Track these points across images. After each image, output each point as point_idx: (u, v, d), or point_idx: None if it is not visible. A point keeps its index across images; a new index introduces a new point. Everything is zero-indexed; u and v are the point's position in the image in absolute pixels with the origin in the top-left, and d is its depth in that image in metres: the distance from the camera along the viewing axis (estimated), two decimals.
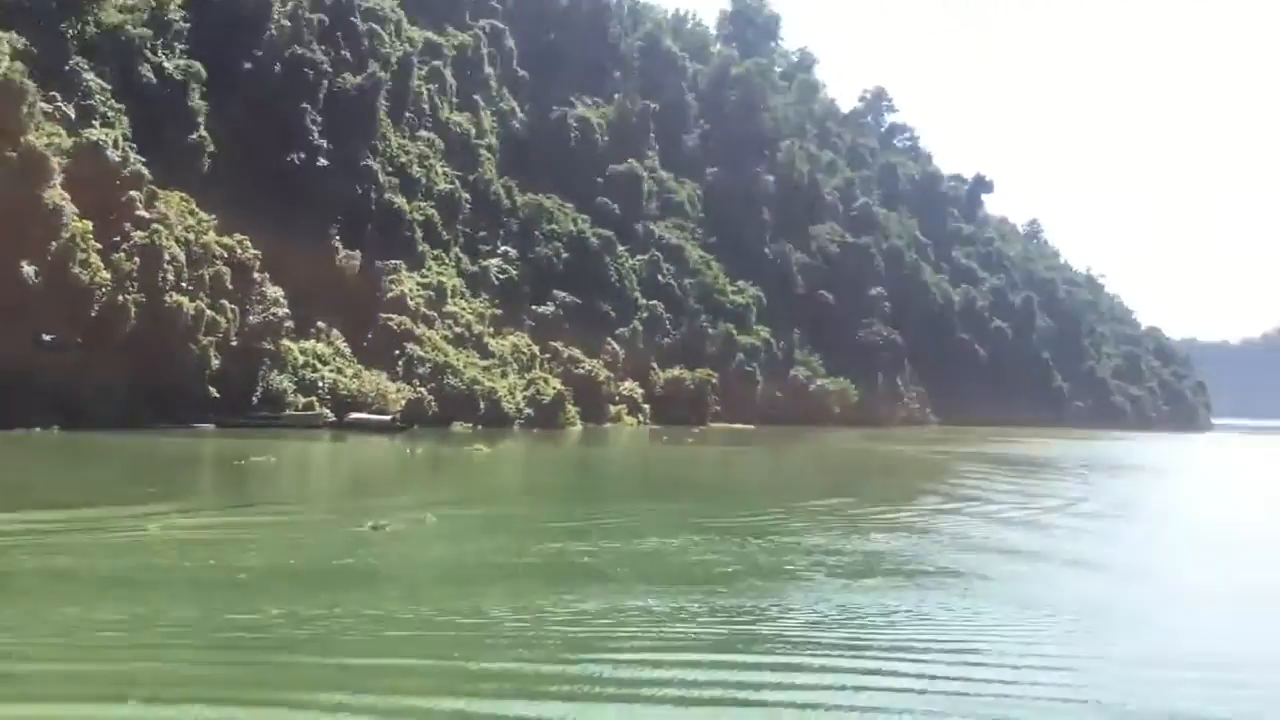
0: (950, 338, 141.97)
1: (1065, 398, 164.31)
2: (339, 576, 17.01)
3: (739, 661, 13.00)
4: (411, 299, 72.28)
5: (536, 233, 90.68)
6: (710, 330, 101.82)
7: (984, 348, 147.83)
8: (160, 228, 52.30)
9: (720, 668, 12.64)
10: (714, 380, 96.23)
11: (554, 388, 77.99)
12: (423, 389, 67.43)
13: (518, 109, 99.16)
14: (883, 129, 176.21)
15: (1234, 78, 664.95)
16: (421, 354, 69.66)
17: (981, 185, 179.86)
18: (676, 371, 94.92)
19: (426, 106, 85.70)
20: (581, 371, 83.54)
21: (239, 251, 58.00)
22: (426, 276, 76.42)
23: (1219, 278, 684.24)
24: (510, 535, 22.75)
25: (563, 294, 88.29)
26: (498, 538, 22.33)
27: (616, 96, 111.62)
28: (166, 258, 51.88)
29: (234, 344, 55.93)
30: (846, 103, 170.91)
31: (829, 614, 15.86)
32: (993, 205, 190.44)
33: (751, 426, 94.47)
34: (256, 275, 59.22)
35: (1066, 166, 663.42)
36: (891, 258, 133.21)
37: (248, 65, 68.49)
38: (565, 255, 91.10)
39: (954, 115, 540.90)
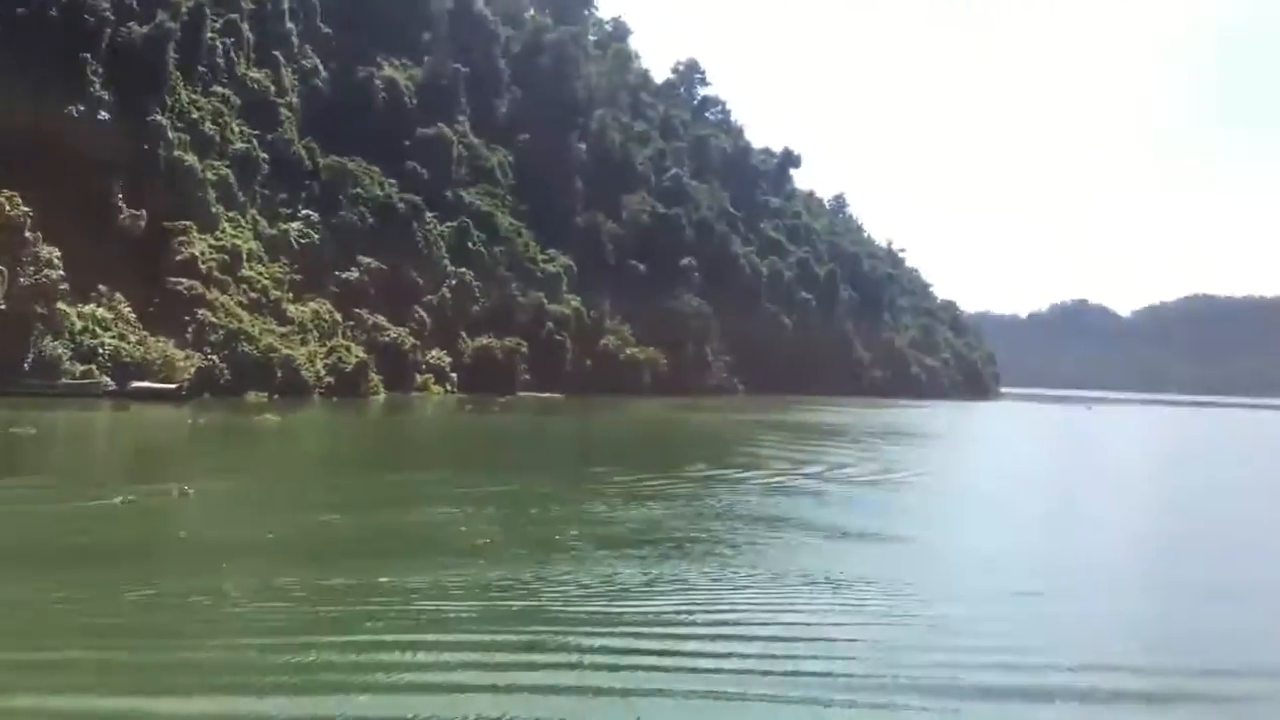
0: (758, 308, 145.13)
1: (865, 367, 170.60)
2: (66, 555, 16.01)
3: (490, 641, 12.68)
4: (203, 262, 69.03)
5: (340, 196, 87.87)
6: (520, 299, 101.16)
7: (790, 318, 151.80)
8: None
9: (470, 649, 12.33)
10: (524, 349, 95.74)
11: (357, 356, 76.05)
12: (214, 357, 64.55)
13: (321, 67, 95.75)
14: (695, 101, 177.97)
15: (1029, 60, 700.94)
16: (214, 320, 66.62)
17: (790, 160, 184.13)
18: (485, 340, 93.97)
19: (221, 61, 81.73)
20: (386, 339, 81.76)
21: (7, 209, 54.18)
22: (220, 239, 73.08)
23: (1011, 254, 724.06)
24: (269, 509, 21.91)
25: (368, 260, 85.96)
26: (254, 511, 21.45)
27: (426, 59, 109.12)
28: None
29: (2, 307, 52.40)
30: (659, 74, 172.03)
31: (591, 585, 15.90)
32: (801, 180, 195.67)
33: (561, 395, 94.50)
34: (28, 234, 55.44)
35: (873, 144, 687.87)
36: (702, 229, 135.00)
37: (21, 10, 63.94)
38: (371, 220, 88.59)
39: (765, 90, 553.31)
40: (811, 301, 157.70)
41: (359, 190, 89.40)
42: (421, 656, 11.92)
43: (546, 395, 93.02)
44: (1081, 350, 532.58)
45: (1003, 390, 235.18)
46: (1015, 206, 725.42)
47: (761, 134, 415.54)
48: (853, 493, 30.21)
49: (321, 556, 16.99)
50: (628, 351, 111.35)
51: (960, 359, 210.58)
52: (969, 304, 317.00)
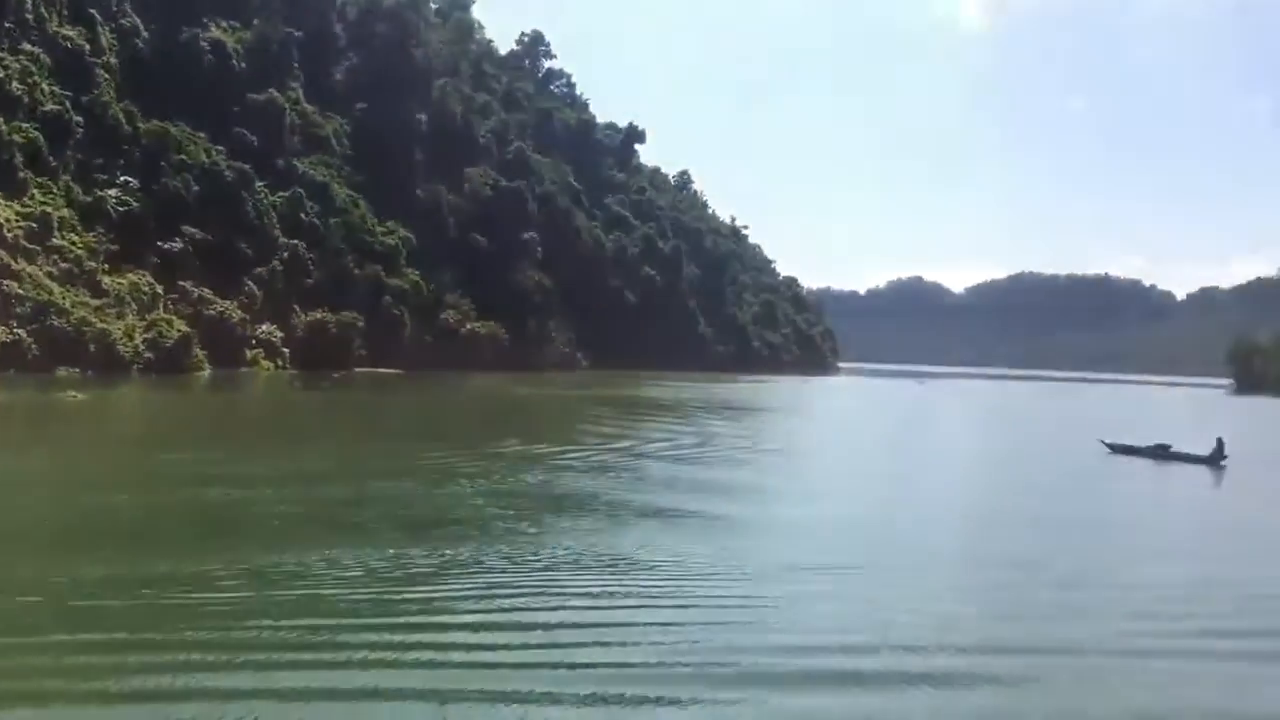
0: (602, 283, 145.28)
1: (709, 343, 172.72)
2: None
3: (256, 639, 11.84)
4: (9, 230, 65.03)
5: (163, 163, 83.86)
6: (357, 272, 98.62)
7: (634, 294, 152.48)
8: None
9: (234, 648, 11.54)
10: (360, 323, 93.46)
11: (179, 330, 72.96)
12: (21, 331, 61.06)
13: (141, 27, 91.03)
14: (540, 74, 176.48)
15: (867, 42, 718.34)
16: (20, 292, 62.91)
17: (634, 135, 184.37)
18: (320, 314, 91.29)
19: (30, 18, 76.99)
20: (213, 313, 78.72)
21: None
22: (29, 206, 69.03)
23: (852, 232, 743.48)
24: (41, 492, 20.70)
25: (193, 230, 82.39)
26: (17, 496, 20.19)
27: (256, 21, 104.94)
28: None
29: None
30: (504, 45, 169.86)
31: (378, 570, 15.42)
32: (646, 156, 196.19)
33: (398, 371, 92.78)
34: None
35: (719, 123, 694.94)
36: (545, 203, 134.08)
37: None
38: (196, 189, 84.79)
39: (610, 66, 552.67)
40: (656, 277, 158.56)
41: (183, 157, 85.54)
42: (168, 658, 10.95)
43: (384, 371, 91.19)
44: (917, 326, 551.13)
45: (841, 365, 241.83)
46: (855, 186, 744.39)
47: (607, 109, 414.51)
48: (669, 470, 30.19)
49: (70, 544, 16.00)
50: (468, 326, 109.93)
51: (800, 334, 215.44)
52: (810, 281, 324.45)
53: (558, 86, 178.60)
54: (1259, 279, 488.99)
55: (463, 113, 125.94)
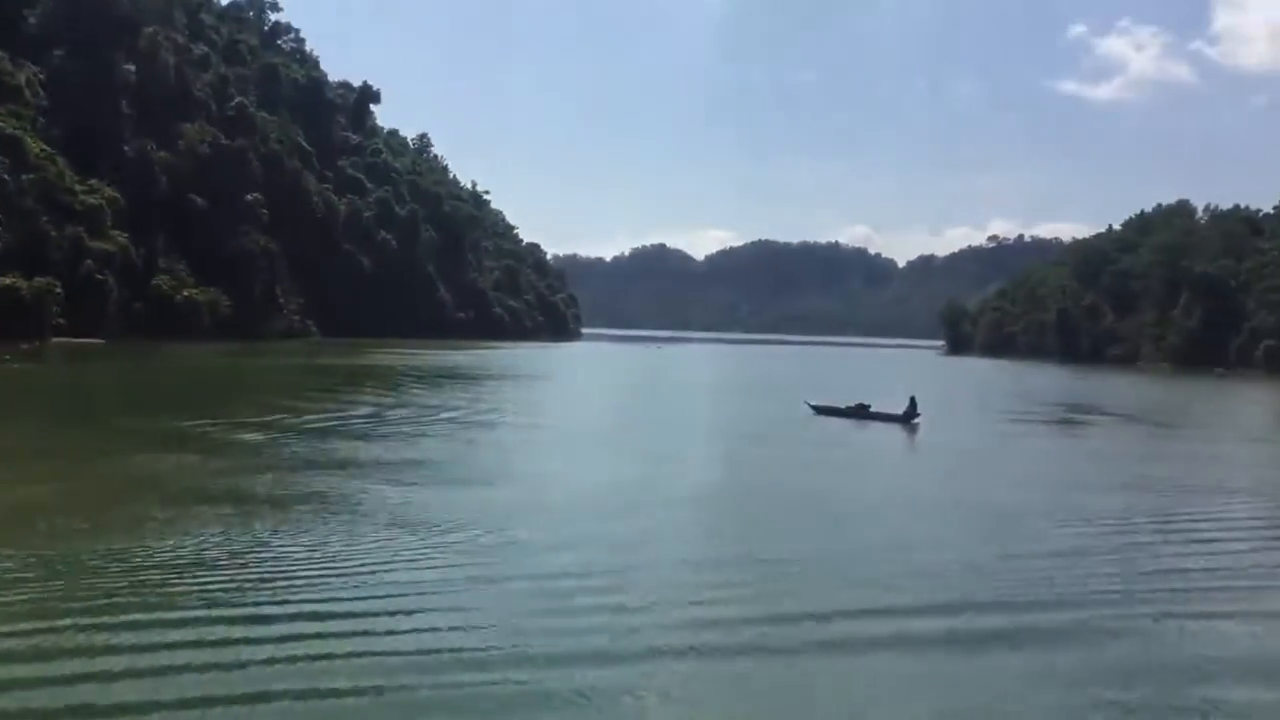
0: (334, 249, 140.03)
1: (448, 309, 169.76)
2: None
3: None
4: None
5: None
6: (54, 234, 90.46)
7: (369, 259, 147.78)
8: None
9: None
10: (57, 290, 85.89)
11: None
12: None
13: None
14: (266, 28, 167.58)
15: (608, 11, 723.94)
16: None
17: (369, 95, 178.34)
18: (10, 280, 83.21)
19: None
20: None
21: None
22: None
23: (596, 199, 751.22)
24: None
25: None
26: None
27: None
28: None
29: None
30: None
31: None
32: (385, 118, 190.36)
33: (102, 341, 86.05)
34: None
35: (463, 87, 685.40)
36: (271, 163, 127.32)
37: None
38: None
39: (348, 24, 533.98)
40: (391, 242, 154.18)
41: None
42: None
43: (83, 342, 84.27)
44: (662, 293, 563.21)
45: (584, 331, 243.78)
46: (598, 153, 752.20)
47: (342, 69, 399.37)
48: (341, 446, 28.59)
49: None
50: (184, 293, 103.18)
51: (544, 301, 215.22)
52: (557, 247, 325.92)
53: (285, 41, 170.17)
54: (969, 247, 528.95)
55: (176, 64, 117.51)
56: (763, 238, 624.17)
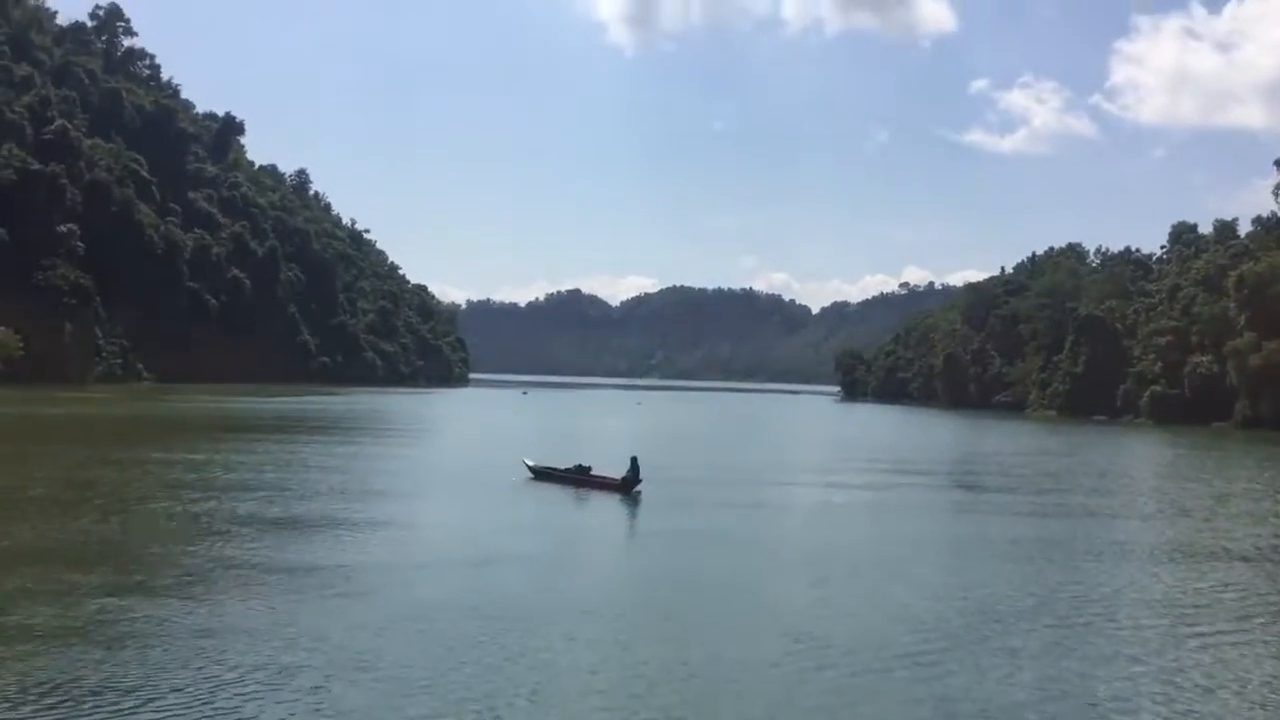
0: (176, 286, 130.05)
1: (312, 353, 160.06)
2: None
3: None
4: None
5: None
6: None
7: (219, 299, 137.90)
8: None
9: None
10: None
11: None
12: None
13: None
14: (118, 53, 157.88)
15: (516, 58, 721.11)
16: None
17: (232, 127, 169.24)
18: None
19: None
20: None
21: None
22: None
23: (514, 245, 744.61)
24: None
25: None
26: None
27: None
28: None
29: None
30: (74, 16, 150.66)
31: None
32: (260, 152, 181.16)
33: None
34: None
35: (364, 127, 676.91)
36: (97, 192, 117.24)
37: None
38: None
39: (213, 52, 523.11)
40: (246, 280, 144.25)
41: None
42: None
43: None
44: (576, 338, 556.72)
45: (473, 377, 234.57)
46: (515, 199, 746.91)
47: (212, 100, 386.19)
48: None
49: None
50: None
51: (425, 345, 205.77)
52: (471, 293, 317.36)
53: (139, 68, 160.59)
54: (882, 294, 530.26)
55: None
56: (677, 283, 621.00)
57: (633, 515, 29.40)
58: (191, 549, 19.98)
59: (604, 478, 33.32)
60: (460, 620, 15.12)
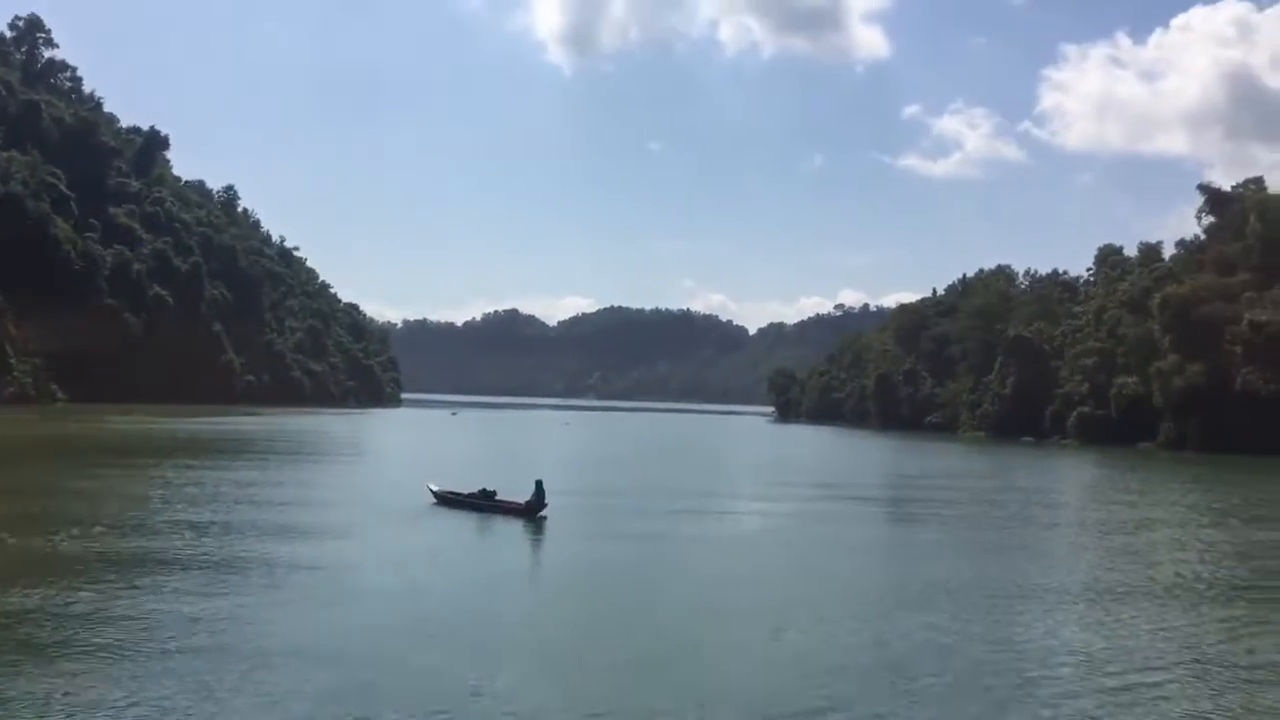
0: (93, 304, 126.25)
1: (238, 372, 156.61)
2: None
3: None
4: None
5: None
6: None
7: (139, 317, 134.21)
8: None
9: None
10: None
11: None
12: None
13: None
14: (38, 65, 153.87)
15: (453, 74, 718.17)
16: None
17: (157, 141, 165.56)
18: None
19: None
20: None
21: None
22: None
23: (448, 264, 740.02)
24: None
25: None
26: None
27: None
28: None
29: None
30: None
31: None
32: (187, 168, 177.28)
33: None
34: None
35: (309, 145, 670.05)
36: (8, 206, 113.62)
37: None
38: None
39: (139, 65, 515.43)
40: (168, 298, 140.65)
41: None
42: None
43: None
44: (512, 359, 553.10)
45: (405, 397, 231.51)
46: (450, 218, 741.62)
47: (139, 115, 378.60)
48: None
49: None
50: None
51: (356, 365, 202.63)
52: (406, 312, 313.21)
53: (60, 79, 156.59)
54: (818, 315, 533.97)
55: None
56: (614, 304, 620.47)
57: (535, 544, 28.19)
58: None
59: (508, 502, 32.11)
60: (308, 671, 13.75)
